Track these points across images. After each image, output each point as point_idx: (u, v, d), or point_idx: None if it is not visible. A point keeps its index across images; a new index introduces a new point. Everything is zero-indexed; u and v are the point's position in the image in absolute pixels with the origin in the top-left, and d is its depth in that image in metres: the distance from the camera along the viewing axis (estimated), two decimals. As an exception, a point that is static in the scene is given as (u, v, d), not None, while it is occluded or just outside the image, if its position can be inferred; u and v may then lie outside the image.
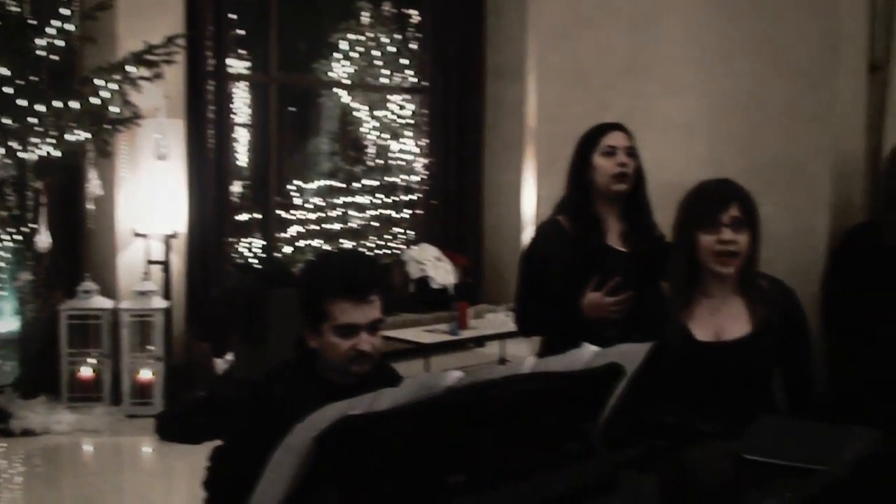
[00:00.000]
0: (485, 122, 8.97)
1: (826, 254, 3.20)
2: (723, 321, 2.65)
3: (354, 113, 9.61)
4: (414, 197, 9.31)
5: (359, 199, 9.46)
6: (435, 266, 8.26)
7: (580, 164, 3.06)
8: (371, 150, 9.66)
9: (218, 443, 2.40)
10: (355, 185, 9.51)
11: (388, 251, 9.31)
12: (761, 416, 2.20)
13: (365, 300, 2.28)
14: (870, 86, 3.37)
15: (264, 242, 8.40)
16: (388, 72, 9.40)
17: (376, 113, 9.59)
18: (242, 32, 8.24)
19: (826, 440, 2.00)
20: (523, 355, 2.01)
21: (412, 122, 9.42)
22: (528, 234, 3.11)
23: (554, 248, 3.05)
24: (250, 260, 8.27)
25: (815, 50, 3.16)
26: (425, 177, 8.98)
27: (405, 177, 9.52)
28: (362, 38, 9.37)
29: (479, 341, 7.93)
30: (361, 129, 9.63)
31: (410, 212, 9.40)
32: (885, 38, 3.34)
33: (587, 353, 1.96)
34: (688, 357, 2.61)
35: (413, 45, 9.31)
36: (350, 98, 9.57)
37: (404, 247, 9.05)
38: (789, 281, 2.83)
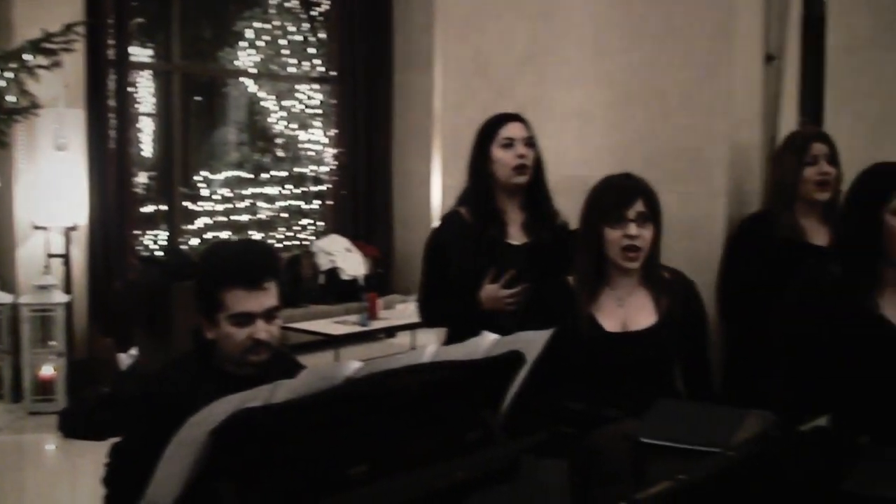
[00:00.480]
0: (393, 112, 8.96)
1: (723, 242, 3.27)
2: (629, 313, 2.71)
3: (262, 103, 9.50)
4: (323, 188, 9.25)
5: (267, 190, 9.36)
6: (345, 257, 8.23)
7: (479, 156, 3.07)
8: (279, 140, 9.56)
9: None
10: (264, 175, 9.40)
11: (298, 242, 9.24)
12: (659, 400, 2.24)
13: (259, 287, 2.25)
14: (765, 76, 3.45)
15: (170, 234, 8.26)
16: (295, 61, 9.31)
17: (284, 103, 9.49)
18: (144, 20, 8.07)
19: (721, 423, 2.05)
20: (434, 345, 2.00)
21: (321, 112, 9.36)
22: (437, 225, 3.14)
23: (455, 240, 3.07)
24: (155, 252, 8.12)
25: (710, 41, 3.22)
26: (334, 167, 8.92)
27: (314, 167, 9.45)
28: (268, 26, 9.26)
29: (390, 332, 7.94)
30: (269, 120, 9.52)
31: (320, 203, 9.34)
32: (780, 29, 3.43)
33: (487, 342, 1.97)
34: (597, 348, 2.66)
35: (321, 34, 9.23)
36: (257, 87, 9.45)
37: (314, 238, 8.99)
38: (688, 269, 2.90)
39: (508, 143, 3.03)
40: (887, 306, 2.42)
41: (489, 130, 3.07)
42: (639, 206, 2.65)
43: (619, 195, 2.66)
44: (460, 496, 1.86)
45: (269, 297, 2.28)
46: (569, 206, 3.06)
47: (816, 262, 2.67)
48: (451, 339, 3.09)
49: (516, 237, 3.06)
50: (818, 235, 3.15)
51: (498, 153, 3.03)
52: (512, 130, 3.05)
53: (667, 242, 2.77)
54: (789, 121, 3.60)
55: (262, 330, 2.26)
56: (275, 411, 1.58)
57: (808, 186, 3.15)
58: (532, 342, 2.08)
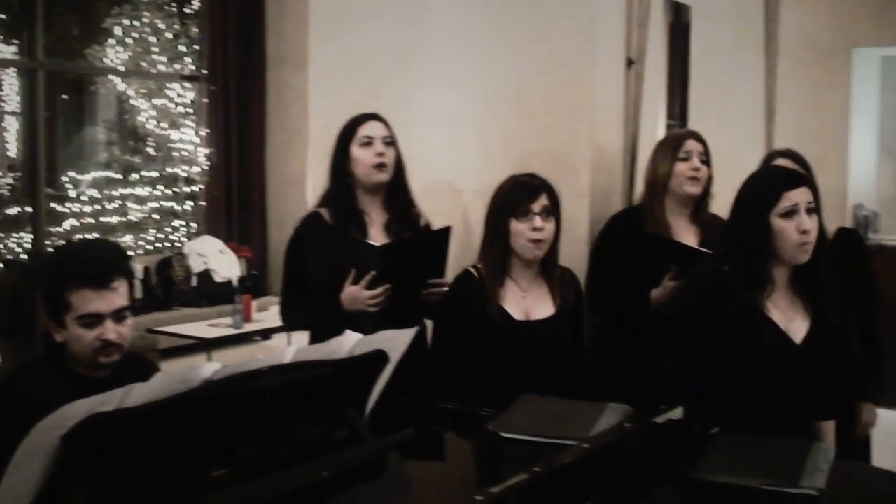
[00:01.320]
0: (267, 111, 8.86)
1: (588, 241, 3.36)
2: (531, 303, 2.84)
3: (131, 101, 9.28)
4: (196, 188, 9.09)
5: (138, 191, 9.15)
6: (218, 259, 8.10)
7: (340, 156, 3.08)
8: (150, 140, 9.36)
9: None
10: (134, 176, 9.19)
11: (170, 244, 9.06)
12: (522, 395, 2.29)
13: (107, 287, 2.23)
14: (626, 80, 3.55)
15: (35, 237, 7.99)
16: (165, 59, 9.13)
17: (155, 101, 9.30)
18: (7, 16, 7.80)
19: (579, 416, 2.11)
20: (295, 345, 2.00)
21: (192, 111, 9.19)
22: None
23: (315, 241, 3.06)
24: (20, 256, 7.85)
25: (573, 45, 3.30)
26: (207, 167, 8.77)
27: (186, 167, 9.28)
28: (138, 23, 9.05)
29: (266, 334, 7.85)
30: (139, 119, 9.31)
31: (192, 204, 9.18)
32: (640, 33, 3.53)
33: (350, 341, 1.98)
34: (506, 335, 2.78)
35: (193, 32, 9.08)
36: (126, 86, 9.23)
37: (187, 240, 8.83)
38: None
39: (367, 142, 3.04)
40: (774, 307, 2.52)
41: (349, 129, 3.08)
42: (543, 201, 2.80)
43: (525, 190, 2.81)
44: (325, 496, 1.87)
45: (117, 296, 2.25)
46: (438, 208, 3.10)
47: (683, 258, 2.77)
48: (314, 342, 3.08)
49: (378, 238, 3.06)
50: (686, 235, 3.25)
51: (357, 152, 3.05)
52: (370, 129, 3.06)
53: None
54: (651, 123, 3.71)
55: (112, 330, 2.23)
56: (129, 415, 1.56)
57: (680, 180, 3.23)
58: (395, 340, 2.10)
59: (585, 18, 3.31)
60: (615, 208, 3.44)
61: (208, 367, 1.69)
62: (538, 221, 2.77)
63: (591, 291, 3.21)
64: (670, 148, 3.25)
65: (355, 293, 2.94)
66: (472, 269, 2.87)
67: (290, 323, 3.27)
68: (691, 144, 3.25)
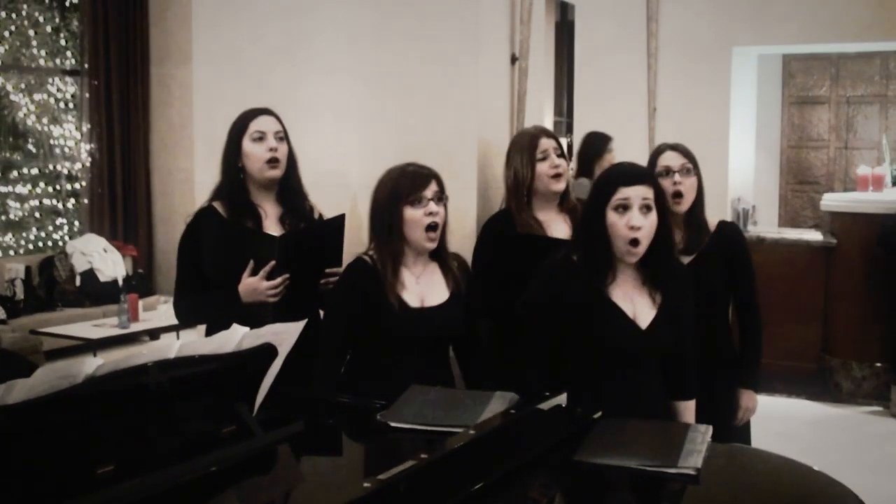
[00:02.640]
0: (151, 106, 8.66)
1: (475, 234, 3.40)
2: (425, 290, 2.86)
3: (11, 97, 8.98)
4: (79, 185, 8.85)
5: (18, 188, 8.86)
6: (102, 258, 7.91)
7: (231, 151, 3.06)
8: (30, 136, 9.07)
9: None
10: (14, 174, 8.89)
11: (52, 244, 8.80)
12: (412, 386, 2.31)
13: None
14: (511, 76, 3.61)
15: None
16: (45, 53, 8.86)
17: (35, 97, 9.01)
18: None
19: (467, 405, 2.15)
20: (180, 340, 1.98)
21: (73, 106, 8.95)
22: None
23: (209, 235, 3.03)
24: None
25: (458, 40, 3.34)
26: (89, 164, 8.55)
27: (69, 164, 9.03)
28: (15, 16, 8.76)
29: (154, 334, 7.69)
30: (19, 114, 9.01)
31: (76, 201, 8.93)
32: (523, 30, 3.59)
33: (237, 335, 1.98)
34: (404, 322, 2.78)
35: (73, 26, 8.83)
36: (3, 80, 8.92)
37: (69, 239, 8.59)
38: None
39: (260, 137, 3.03)
40: (620, 294, 2.62)
41: (240, 124, 3.06)
42: (434, 187, 2.82)
43: (416, 178, 2.82)
44: (214, 490, 1.87)
45: None
46: (327, 200, 3.10)
47: (557, 251, 2.83)
48: (209, 335, 3.05)
49: (273, 230, 3.05)
50: (558, 227, 3.32)
51: (249, 147, 3.03)
52: (263, 124, 3.05)
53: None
54: (535, 118, 3.78)
55: None
56: (9, 413, 1.53)
57: (545, 180, 3.31)
58: (284, 334, 2.10)
59: (469, 15, 3.34)
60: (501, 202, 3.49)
61: (91, 363, 1.67)
62: (433, 206, 2.80)
63: (471, 297, 3.24)
64: (526, 150, 3.31)
65: (254, 284, 2.93)
66: (365, 258, 2.87)
67: (186, 318, 3.22)
68: (545, 143, 3.33)
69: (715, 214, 4.89)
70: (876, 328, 6.50)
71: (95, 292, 7.81)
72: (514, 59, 3.60)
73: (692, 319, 2.78)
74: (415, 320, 2.81)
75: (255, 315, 2.73)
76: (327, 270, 3.02)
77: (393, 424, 2.02)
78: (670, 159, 3.13)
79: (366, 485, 1.52)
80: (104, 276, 7.89)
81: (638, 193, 2.55)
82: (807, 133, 10.03)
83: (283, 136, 3.07)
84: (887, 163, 7.33)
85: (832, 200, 6.93)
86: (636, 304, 2.64)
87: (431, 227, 2.81)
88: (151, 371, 1.80)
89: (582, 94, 7.18)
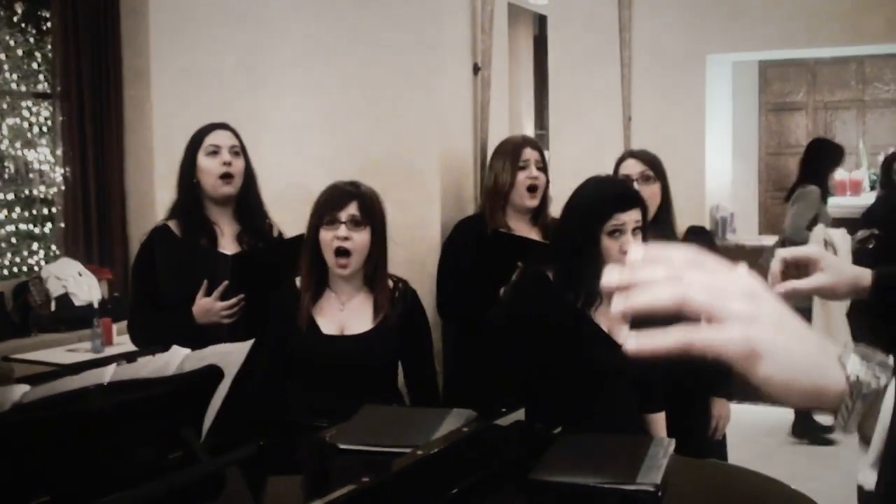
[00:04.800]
0: (124, 128, 8.59)
1: (440, 246, 3.34)
2: (348, 316, 2.74)
3: (-18, 122, 8.89)
4: (54, 210, 8.76)
5: (-6, 214, 8.77)
6: (77, 282, 7.81)
7: (187, 166, 3.00)
8: (5, 161, 8.98)
9: None
10: (-11, 199, 8.79)
11: (27, 269, 8.70)
12: (365, 406, 2.24)
13: None
14: (473, 85, 3.55)
15: None
16: (16, 76, 8.79)
17: (8, 120, 8.93)
18: None
19: (420, 424, 2.07)
20: (114, 364, 1.90)
21: (47, 130, 8.87)
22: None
23: (164, 253, 2.96)
24: None
25: (418, 52, 3.29)
26: (63, 188, 8.46)
27: (44, 188, 8.94)
28: (-14, 40, 8.69)
29: (131, 357, 7.58)
30: (-8, 139, 8.92)
31: (52, 226, 8.84)
32: (485, 39, 3.54)
33: (178, 357, 1.90)
34: (314, 349, 2.70)
35: (46, 49, 8.76)
36: (-25, 105, 8.84)
37: (44, 263, 8.49)
38: (409, 274, 2.95)
39: (214, 151, 2.97)
40: (600, 314, 2.54)
41: (196, 139, 3.01)
42: (352, 210, 2.68)
43: (333, 198, 2.72)
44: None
45: None
46: (290, 216, 3.04)
47: (529, 265, 2.77)
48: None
49: (229, 248, 2.99)
50: (529, 237, 3.27)
51: (204, 161, 2.97)
52: (218, 138, 2.99)
53: (388, 249, 2.81)
54: (499, 128, 3.73)
55: None
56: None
57: (520, 191, 3.26)
58: (229, 355, 2.03)
59: (430, 25, 3.30)
60: (467, 212, 3.44)
61: (17, 390, 1.60)
62: (343, 230, 2.68)
63: (440, 299, 3.19)
64: (509, 157, 3.26)
65: (208, 305, 2.87)
66: (296, 280, 2.79)
67: (140, 340, 3.14)
68: (528, 153, 3.28)
69: (694, 222, 4.84)
70: (858, 334, 6.45)
71: (71, 317, 7.70)
72: (476, 69, 3.55)
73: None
74: (328, 348, 2.71)
75: (211, 336, 2.66)
76: None
77: (341, 446, 1.95)
78: (630, 167, 3.08)
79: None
80: (79, 300, 7.79)
81: (631, 218, 2.50)
82: (785, 139, 10.01)
83: (239, 151, 3.00)
84: (864, 167, 7.30)
85: (810, 206, 6.88)
86: (612, 320, 2.56)
87: (341, 252, 2.69)
88: (84, 397, 1.73)
89: (557, 106, 7.14)
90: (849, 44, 6.69)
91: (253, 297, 2.87)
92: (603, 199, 2.55)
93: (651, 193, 3.05)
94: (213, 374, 1.99)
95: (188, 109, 3.60)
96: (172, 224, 3.00)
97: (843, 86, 9.77)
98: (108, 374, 1.78)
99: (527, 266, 2.85)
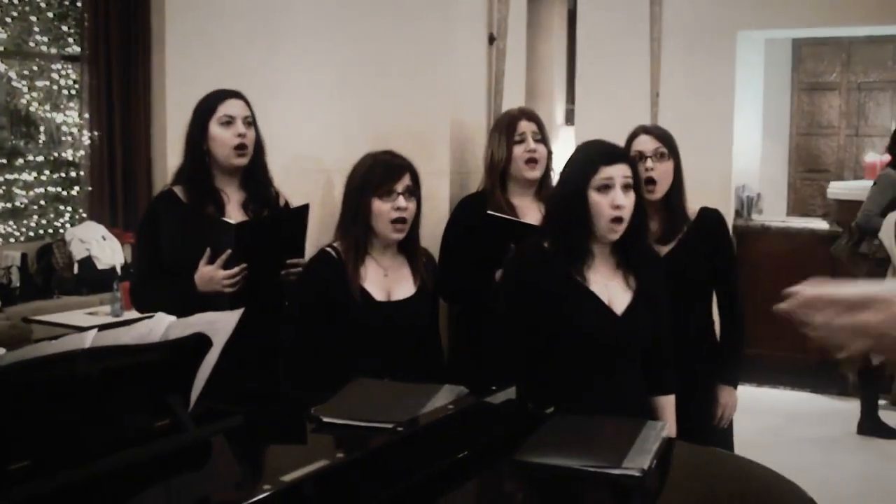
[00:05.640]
0: (152, 94, 8.60)
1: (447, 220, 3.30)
2: (392, 282, 2.79)
3: (13, 83, 8.92)
4: (81, 173, 8.80)
5: (24, 176, 8.81)
6: (100, 245, 7.85)
7: (196, 133, 2.95)
8: (36, 123, 9.02)
9: None
10: (19, 161, 8.84)
11: (52, 231, 8.75)
12: (356, 379, 2.22)
13: None
14: (488, 56, 3.49)
15: None
16: (47, 39, 8.80)
17: (38, 83, 8.96)
18: None
19: (409, 399, 2.04)
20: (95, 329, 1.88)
21: (75, 93, 8.89)
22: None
23: (168, 220, 2.93)
24: None
25: (432, 20, 3.23)
26: (90, 151, 8.49)
27: (72, 151, 8.98)
28: (17, 2, 8.70)
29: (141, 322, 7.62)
30: (22, 101, 8.96)
31: (78, 189, 8.88)
32: (501, 8, 3.47)
33: (161, 324, 1.88)
34: (367, 315, 2.72)
35: (76, 12, 8.76)
36: (5, 67, 8.87)
37: (70, 226, 8.54)
38: (415, 248, 2.91)
39: (228, 121, 2.92)
40: (595, 279, 2.51)
41: (208, 106, 2.95)
42: (406, 181, 2.75)
43: (388, 170, 2.75)
44: (138, 485, 1.78)
45: None
46: (299, 186, 3.01)
47: (528, 238, 2.73)
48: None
49: (235, 217, 2.95)
50: (531, 213, 3.21)
51: (216, 130, 2.92)
52: (232, 108, 2.94)
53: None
54: (514, 100, 3.66)
55: None
56: None
57: (519, 164, 3.20)
58: (217, 323, 2.00)
59: (444, -6, 3.23)
60: (477, 186, 3.38)
61: (-8, 353, 1.58)
62: (402, 201, 2.72)
63: (440, 278, 3.15)
64: (504, 132, 3.20)
65: (210, 273, 2.84)
66: (329, 249, 2.79)
67: (143, 306, 3.12)
68: (524, 125, 3.21)
69: (718, 201, 4.77)
70: (882, 319, 6.33)
71: (93, 280, 7.75)
72: (491, 39, 3.49)
73: (668, 308, 2.67)
74: (381, 313, 2.74)
75: (213, 305, 2.64)
76: (289, 261, 2.92)
77: (325, 419, 1.92)
78: (643, 143, 3.00)
79: (266, 487, 1.42)
80: (102, 263, 7.83)
81: (620, 172, 2.47)
82: (816, 120, 9.83)
83: (252, 122, 2.97)
84: (897, 150, 7.14)
85: (838, 188, 6.79)
86: (611, 290, 2.53)
87: (399, 221, 2.73)
88: (66, 362, 1.71)
89: (584, 80, 7.05)
90: (885, 23, 6.55)
91: (256, 267, 2.84)
92: (588, 154, 2.55)
93: (664, 171, 2.99)
94: (200, 342, 1.96)
95: (200, 75, 3.56)
96: (178, 190, 2.97)
97: (878, 66, 9.56)
98: (88, 339, 1.75)
99: (524, 240, 2.81)
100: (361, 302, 2.71)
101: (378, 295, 2.75)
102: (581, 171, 2.50)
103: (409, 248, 2.83)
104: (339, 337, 2.72)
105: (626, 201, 2.45)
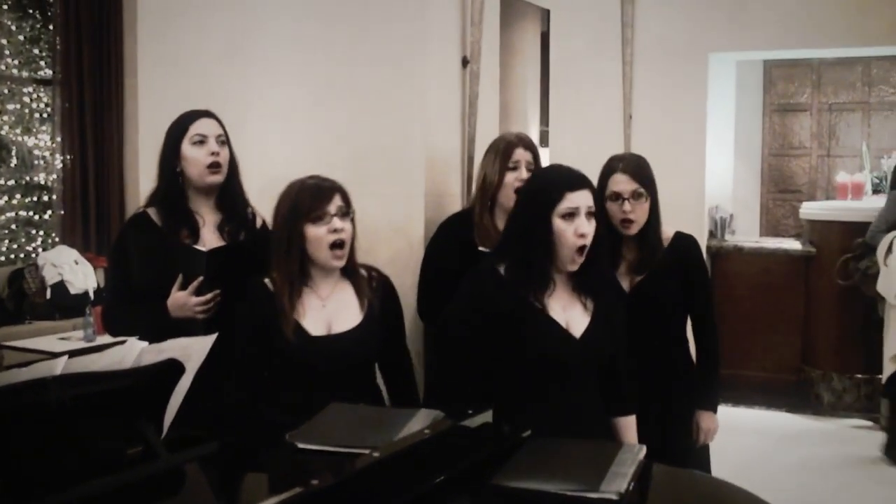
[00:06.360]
0: (125, 116, 8.54)
1: (424, 242, 3.28)
2: (332, 313, 2.66)
3: (-16, 107, 8.85)
4: (53, 197, 8.73)
5: (-4, 201, 8.73)
6: (73, 270, 7.77)
7: (169, 154, 2.92)
8: (7, 146, 8.94)
9: None
10: (-10, 186, 8.76)
11: (24, 255, 8.66)
12: (331, 404, 2.19)
13: None
14: (462, 79, 3.49)
15: None
16: (18, 62, 8.74)
17: (9, 106, 8.89)
18: None
19: (385, 424, 2.02)
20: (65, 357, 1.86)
21: (47, 116, 8.83)
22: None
23: (140, 244, 2.90)
24: None
25: (405, 43, 3.23)
26: (63, 175, 8.42)
27: (44, 175, 8.90)
28: (-12, 25, 8.65)
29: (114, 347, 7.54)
30: (-7, 125, 8.88)
31: (51, 212, 8.80)
32: (475, 31, 3.48)
33: (134, 350, 1.86)
34: (303, 352, 2.60)
35: (46, 35, 8.71)
36: (-24, 90, 8.80)
37: (42, 251, 8.45)
38: (392, 271, 2.89)
39: (201, 140, 2.89)
40: (553, 305, 2.49)
41: (180, 126, 2.92)
42: (338, 201, 2.64)
43: (317, 192, 2.64)
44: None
45: None
46: (273, 206, 2.98)
47: (484, 262, 2.67)
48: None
49: (210, 239, 2.92)
50: None
51: (189, 150, 2.89)
52: (204, 127, 2.91)
53: (370, 245, 2.76)
54: (488, 122, 3.67)
55: None
56: None
57: (508, 192, 3.19)
58: (189, 348, 1.98)
59: (417, 16, 3.24)
60: (452, 209, 3.38)
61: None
62: (337, 222, 2.61)
63: (421, 300, 3.13)
64: (500, 156, 3.19)
65: (182, 299, 2.80)
66: (266, 281, 2.68)
67: (115, 330, 3.08)
68: (520, 154, 3.21)
69: (692, 223, 4.78)
70: (857, 339, 6.38)
71: (66, 305, 7.66)
72: (465, 62, 3.49)
73: (625, 329, 2.66)
74: (317, 350, 2.61)
75: (185, 331, 2.60)
76: None
77: (300, 445, 1.90)
78: (620, 184, 2.94)
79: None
80: (75, 288, 7.74)
81: (584, 200, 2.45)
82: (788, 141, 9.92)
83: (225, 140, 2.94)
84: (867, 170, 7.22)
85: (811, 209, 6.84)
86: (568, 313, 2.51)
87: (337, 245, 2.62)
88: (35, 390, 1.68)
89: (557, 103, 7.09)
90: (854, 45, 6.62)
91: (230, 293, 2.81)
92: (551, 180, 2.52)
93: (642, 211, 2.96)
94: (173, 368, 1.94)
95: (173, 98, 3.54)
96: (152, 212, 2.94)
97: (848, 87, 9.67)
98: (59, 366, 1.73)
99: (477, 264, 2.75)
100: (295, 339, 2.60)
101: (316, 329, 2.63)
102: (545, 197, 2.46)
103: (350, 272, 2.71)
104: (281, 374, 2.63)
105: (590, 229, 2.44)
